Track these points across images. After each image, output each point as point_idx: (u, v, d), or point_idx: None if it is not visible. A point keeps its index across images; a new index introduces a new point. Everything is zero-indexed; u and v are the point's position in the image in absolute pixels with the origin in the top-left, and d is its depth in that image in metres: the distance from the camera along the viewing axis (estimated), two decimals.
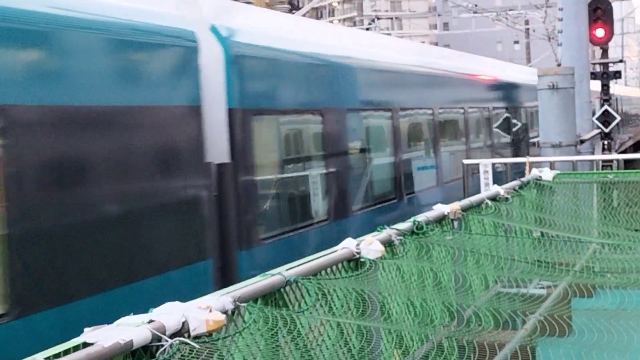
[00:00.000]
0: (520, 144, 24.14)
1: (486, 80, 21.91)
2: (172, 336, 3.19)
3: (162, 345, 3.14)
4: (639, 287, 7.58)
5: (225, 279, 8.27)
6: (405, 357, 5.50)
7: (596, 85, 24.25)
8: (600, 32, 19.31)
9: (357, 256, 5.07)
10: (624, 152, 36.98)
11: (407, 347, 5.55)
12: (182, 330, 3.27)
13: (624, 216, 10.29)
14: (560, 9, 15.58)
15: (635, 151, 41.95)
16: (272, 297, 4.18)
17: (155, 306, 3.33)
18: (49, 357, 2.87)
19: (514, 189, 9.27)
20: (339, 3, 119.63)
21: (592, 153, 16.65)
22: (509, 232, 8.75)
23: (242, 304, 3.77)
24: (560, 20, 15.68)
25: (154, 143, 7.83)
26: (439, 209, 6.87)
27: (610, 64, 22.67)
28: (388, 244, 5.59)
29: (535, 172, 10.63)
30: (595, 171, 13.19)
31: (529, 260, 7.86)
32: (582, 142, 14.71)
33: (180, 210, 8.08)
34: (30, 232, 6.24)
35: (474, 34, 59.58)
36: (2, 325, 5.97)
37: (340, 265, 4.97)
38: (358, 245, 5.11)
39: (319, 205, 11.33)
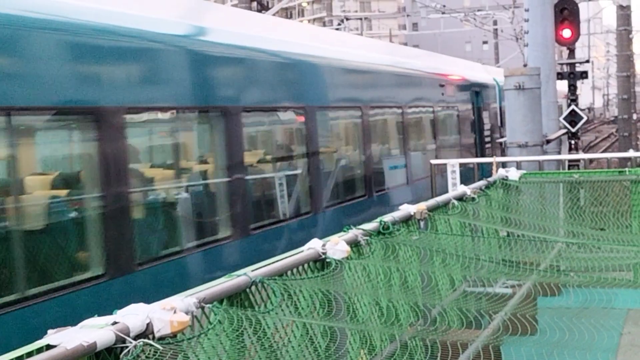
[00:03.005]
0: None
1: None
2: (136, 338, 3.19)
3: (126, 347, 3.14)
4: (603, 285, 7.67)
5: None
6: (371, 356, 5.53)
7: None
8: (566, 33, 19.44)
9: (323, 256, 5.09)
10: None
11: (373, 347, 5.58)
12: (147, 332, 3.27)
13: (590, 215, 10.39)
14: (526, 10, 15.68)
15: None
16: (237, 297, 4.19)
17: None
18: None
19: (481, 189, 9.33)
20: (308, 3, 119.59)
21: (559, 153, 16.77)
22: (476, 231, 8.80)
23: (207, 305, 3.78)
24: (526, 21, 15.78)
25: None
26: (405, 209, 6.90)
27: (577, 64, 22.79)
28: (354, 244, 5.61)
29: (501, 172, 10.71)
30: (561, 171, 13.30)
31: (495, 259, 7.92)
32: (548, 142, 14.82)
33: None
34: None
35: (443, 35, 59.86)
36: None
37: (306, 265, 4.99)
38: (324, 245, 5.13)
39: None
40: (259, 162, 11.41)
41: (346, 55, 14.89)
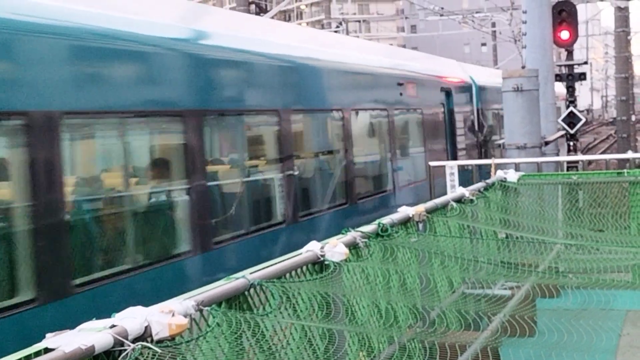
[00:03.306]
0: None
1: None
2: (134, 341, 3.19)
3: (125, 350, 3.15)
4: (602, 287, 7.67)
5: None
6: (370, 358, 5.53)
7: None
8: (565, 34, 19.47)
9: (322, 259, 5.10)
10: None
11: (372, 349, 5.58)
12: (145, 335, 3.27)
13: (588, 217, 10.40)
14: (524, 12, 15.69)
15: None
16: (236, 300, 4.20)
17: None
18: None
19: (479, 191, 9.33)
20: (307, 6, 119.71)
21: (557, 154, 16.77)
22: (474, 233, 8.80)
23: (206, 308, 3.78)
24: (524, 22, 15.79)
25: None
26: (404, 211, 6.91)
27: (575, 66, 22.82)
28: (352, 246, 5.62)
29: (500, 173, 10.72)
30: (559, 172, 13.31)
31: (494, 261, 7.92)
32: (546, 143, 14.83)
33: None
34: None
35: (441, 37, 59.88)
36: None
37: (304, 268, 5.00)
38: (322, 248, 5.14)
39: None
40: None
41: (251, 44, 11.39)
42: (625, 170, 11.18)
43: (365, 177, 15.04)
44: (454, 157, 19.58)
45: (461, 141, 20.90)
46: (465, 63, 25.67)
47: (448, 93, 20.12)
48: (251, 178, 11.05)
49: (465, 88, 22.32)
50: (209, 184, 9.57)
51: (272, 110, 11.33)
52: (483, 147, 23.32)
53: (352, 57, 15.19)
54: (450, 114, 20.26)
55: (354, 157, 13.91)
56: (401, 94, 16.48)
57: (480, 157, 21.78)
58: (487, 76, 26.68)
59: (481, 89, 23.51)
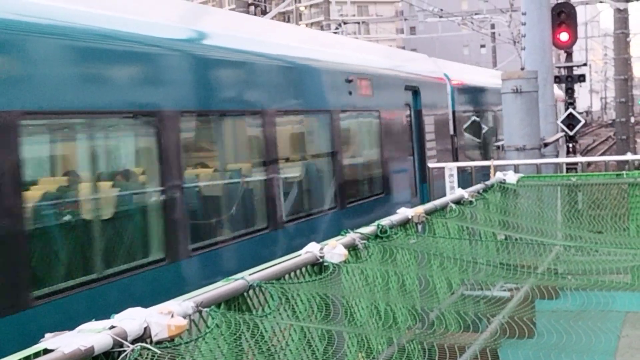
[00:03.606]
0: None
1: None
2: (133, 342, 3.20)
3: (124, 351, 3.15)
4: (601, 288, 7.68)
5: None
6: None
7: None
8: (564, 36, 19.50)
9: (321, 260, 5.10)
10: None
11: (371, 350, 5.59)
12: (144, 336, 3.28)
13: (587, 218, 10.40)
14: (524, 13, 15.69)
15: None
16: (235, 301, 4.20)
17: None
18: None
19: (478, 192, 9.34)
20: (306, 7, 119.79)
21: (557, 156, 16.78)
22: (474, 235, 8.81)
23: (205, 309, 3.78)
24: (524, 24, 15.79)
25: None
26: (403, 212, 6.92)
27: (574, 68, 22.85)
28: (352, 248, 5.63)
29: (499, 175, 10.72)
30: (559, 174, 13.32)
31: (493, 263, 7.92)
32: (545, 145, 14.83)
33: None
34: None
35: (440, 38, 59.86)
36: None
37: (303, 269, 5.00)
38: (321, 249, 5.14)
39: None
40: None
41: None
42: (624, 172, 11.18)
43: (292, 196, 11.95)
44: (422, 167, 17.01)
45: (432, 147, 18.14)
46: (440, 59, 22.90)
47: (415, 92, 17.37)
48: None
49: (438, 87, 19.69)
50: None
51: (147, 113, 8.66)
52: (460, 154, 20.50)
53: (278, 47, 12.14)
54: (418, 116, 17.47)
55: (277, 168, 11.11)
56: (350, 93, 13.83)
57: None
58: (468, 74, 24.49)
59: (458, 89, 21.06)
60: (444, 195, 10.98)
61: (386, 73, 16.05)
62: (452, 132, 20.21)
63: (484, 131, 23.61)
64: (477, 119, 22.99)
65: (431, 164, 14.19)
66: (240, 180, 10.66)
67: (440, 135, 18.95)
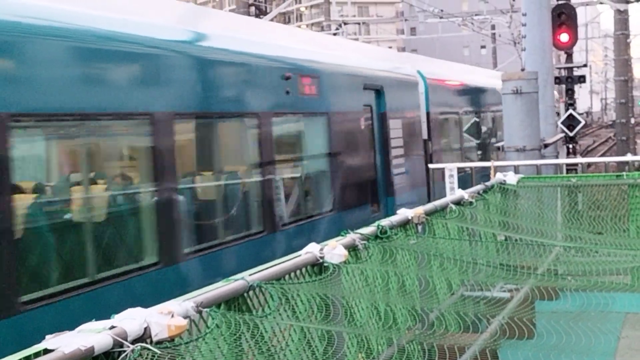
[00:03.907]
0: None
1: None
2: (133, 342, 3.20)
3: (124, 351, 3.15)
4: (601, 289, 7.68)
5: None
6: None
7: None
8: (564, 37, 19.50)
9: (321, 261, 5.11)
10: None
11: (370, 351, 5.59)
12: (144, 336, 3.28)
13: (587, 219, 10.40)
14: (524, 14, 15.69)
15: None
16: (235, 302, 4.20)
17: None
18: None
19: (478, 193, 9.34)
20: (306, 8, 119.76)
21: (557, 157, 16.78)
22: (473, 236, 8.81)
23: (205, 309, 3.79)
24: (524, 25, 15.79)
25: None
26: (403, 213, 6.92)
27: (574, 69, 22.87)
28: (352, 248, 5.63)
29: (499, 176, 10.72)
30: (559, 175, 13.32)
31: (493, 263, 7.93)
32: (546, 146, 14.84)
33: None
34: None
35: (440, 39, 59.88)
36: None
37: (303, 269, 5.00)
38: (322, 249, 5.15)
39: None
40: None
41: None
42: (624, 173, 11.19)
43: (200, 221, 9.86)
44: (387, 176, 15.27)
45: (399, 155, 16.03)
46: (413, 54, 20.19)
47: (378, 92, 15.20)
48: None
49: (408, 86, 17.44)
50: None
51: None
52: (435, 160, 18.17)
53: (184, 33, 9.88)
54: (382, 120, 15.29)
55: (185, 186, 9.23)
56: (288, 92, 11.70)
57: (427, 174, 16.41)
58: (450, 72, 22.53)
59: (434, 88, 18.93)
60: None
61: (338, 70, 13.82)
62: (425, 137, 18.18)
63: (465, 132, 21.91)
64: (475, 120, 22.51)
65: (432, 165, 14.15)
66: None
67: (411, 140, 16.93)
